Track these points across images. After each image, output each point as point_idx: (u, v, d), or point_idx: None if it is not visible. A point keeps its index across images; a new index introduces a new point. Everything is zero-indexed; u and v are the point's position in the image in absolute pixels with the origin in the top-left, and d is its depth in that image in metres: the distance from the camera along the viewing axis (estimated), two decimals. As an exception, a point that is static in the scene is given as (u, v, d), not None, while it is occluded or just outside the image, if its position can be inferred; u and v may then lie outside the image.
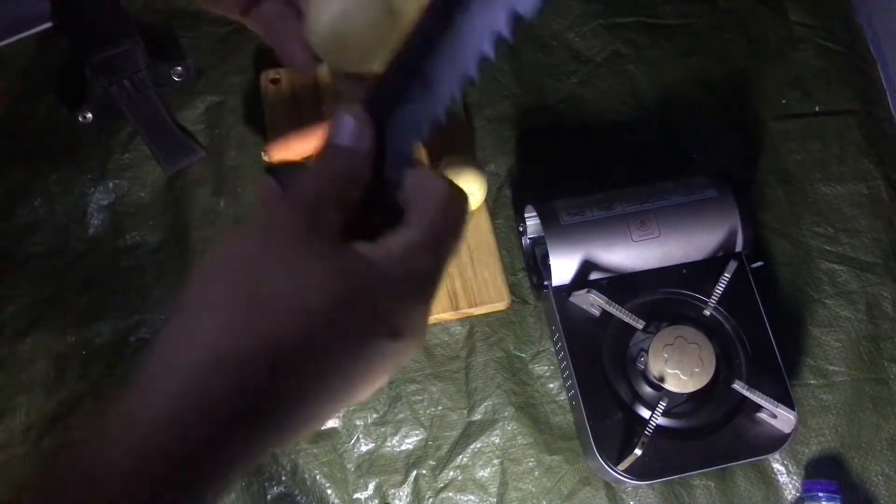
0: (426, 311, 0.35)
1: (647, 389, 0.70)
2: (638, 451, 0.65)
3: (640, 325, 0.70)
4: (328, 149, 0.36)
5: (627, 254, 0.73)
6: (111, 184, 0.85)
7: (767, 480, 0.76)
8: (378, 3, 0.36)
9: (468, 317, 0.79)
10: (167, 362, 0.31)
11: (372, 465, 0.76)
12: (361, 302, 0.32)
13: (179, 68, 0.86)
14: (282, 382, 0.31)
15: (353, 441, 0.76)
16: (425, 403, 0.77)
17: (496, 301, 0.78)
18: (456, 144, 0.83)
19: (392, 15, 0.36)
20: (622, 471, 0.67)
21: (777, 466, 0.76)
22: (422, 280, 0.34)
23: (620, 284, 0.73)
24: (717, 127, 0.88)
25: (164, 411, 0.30)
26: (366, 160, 0.36)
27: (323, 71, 0.80)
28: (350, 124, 0.36)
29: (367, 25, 0.37)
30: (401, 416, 0.77)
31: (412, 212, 0.35)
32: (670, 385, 0.67)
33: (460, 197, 0.36)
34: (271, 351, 0.31)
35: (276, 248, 0.33)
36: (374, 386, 0.34)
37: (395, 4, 0.36)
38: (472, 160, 0.80)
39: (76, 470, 0.30)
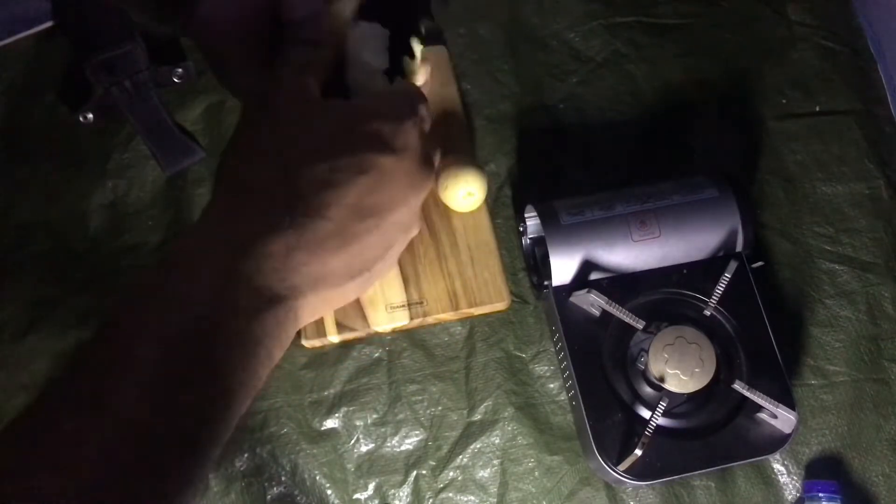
0: (408, 129, 0.42)
1: (648, 389, 0.70)
2: (638, 452, 0.65)
3: (640, 325, 0.70)
4: (286, 28, 0.44)
5: (627, 254, 0.73)
6: (111, 184, 0.85)
7: (768, 481, 0.76)
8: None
9: (468, 317, 0.79)
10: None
11: (372, 465, 0.76)
12: (352, 129, 0.41)
13: (180, 70, 0.86)
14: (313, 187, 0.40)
15: (352, 441, 0.76)
16: (425, 404, 0.77)
17: (496, 301, 0.78)
18: (456, 144, 0.83)
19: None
20: (622, 471, 0.67)
21: (777, 467, 0.76)
22: (390, 111, 0.43)
23: (621, 284, 0.72)
24: (717, 127, 0.87)
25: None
26: (319, 20, 0.44)
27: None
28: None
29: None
30: (401, 416, 0.77)
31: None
32: (670, 385, 0.67)
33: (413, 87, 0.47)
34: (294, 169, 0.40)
35: (278, 110, 0.42)
36: (396, 206, 0.42)
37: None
38: (472, 160, 0.80)
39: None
